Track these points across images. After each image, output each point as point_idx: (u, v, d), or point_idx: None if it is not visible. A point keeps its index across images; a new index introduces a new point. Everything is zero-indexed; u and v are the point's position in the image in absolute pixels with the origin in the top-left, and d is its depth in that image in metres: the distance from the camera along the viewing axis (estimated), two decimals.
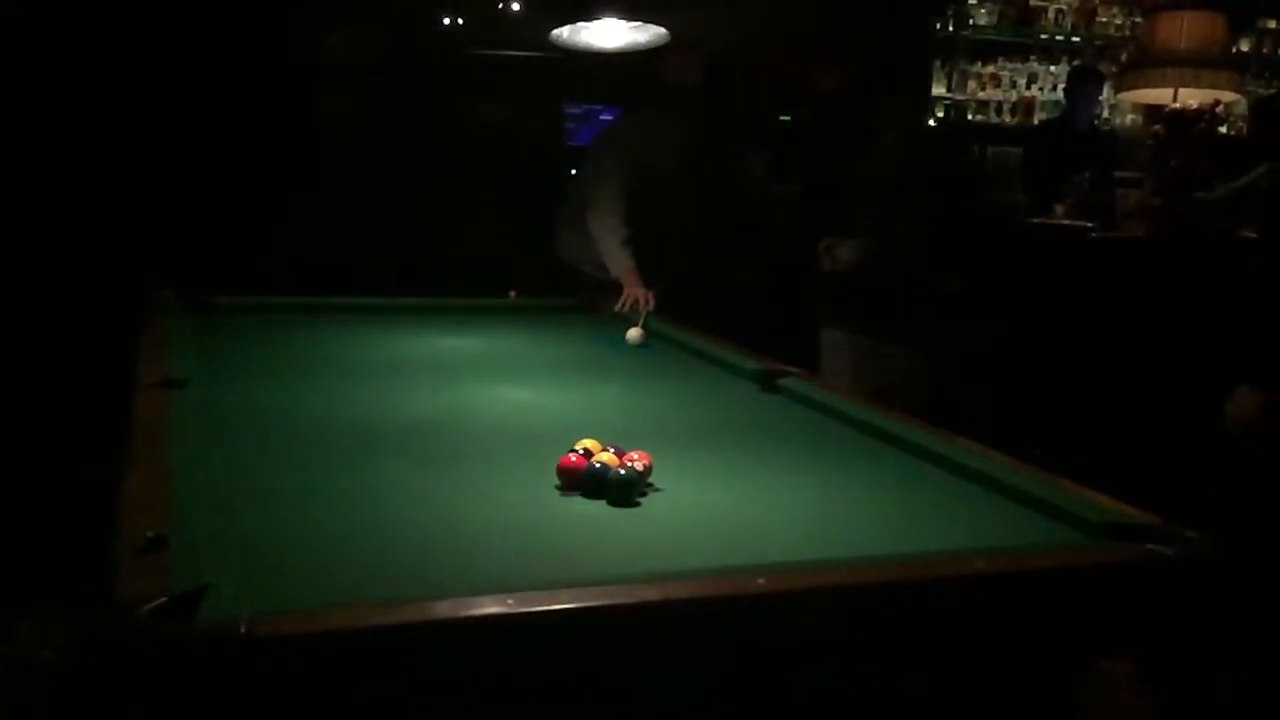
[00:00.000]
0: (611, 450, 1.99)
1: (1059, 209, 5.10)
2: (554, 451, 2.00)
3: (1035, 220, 5.04)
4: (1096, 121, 6.66)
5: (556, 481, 1.96)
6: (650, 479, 1.96)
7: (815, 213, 4.96)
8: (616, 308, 3.84)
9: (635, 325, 3.46)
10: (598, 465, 1.93)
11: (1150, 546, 1.71)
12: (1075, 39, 7.11)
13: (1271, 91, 6.68)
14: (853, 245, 3.99)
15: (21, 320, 4.60)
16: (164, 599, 1.30)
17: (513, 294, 4.24)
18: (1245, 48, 6.91)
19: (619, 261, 4.09)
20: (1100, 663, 1.72)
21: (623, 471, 1.91)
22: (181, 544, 1.50)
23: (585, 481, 1.92)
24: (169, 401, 2.27)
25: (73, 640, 1.37)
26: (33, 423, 4.22)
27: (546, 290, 4.18)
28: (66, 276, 4.84)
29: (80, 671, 1.25)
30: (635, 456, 1.96)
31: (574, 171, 4.84)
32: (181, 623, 1.27)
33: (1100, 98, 6.60)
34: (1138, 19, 6.73)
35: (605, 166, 4.28)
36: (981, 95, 7.01)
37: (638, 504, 1.90)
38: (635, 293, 3.91)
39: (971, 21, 6.94)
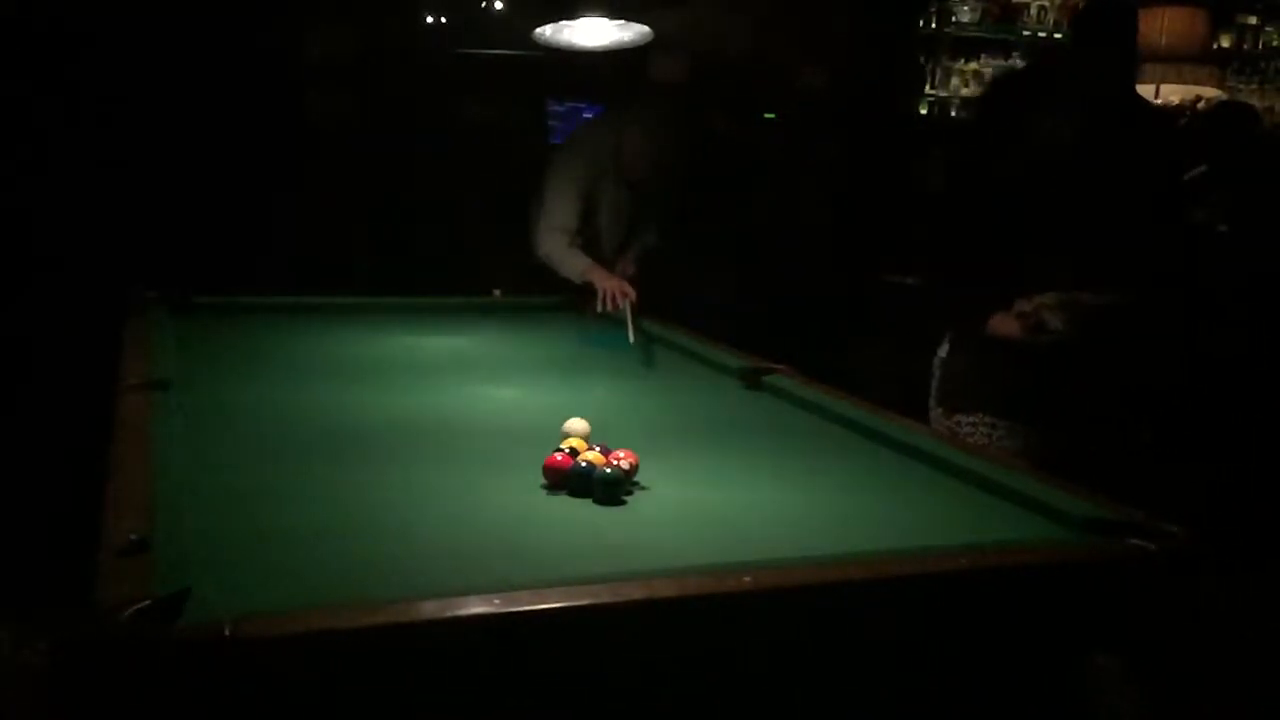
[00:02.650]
0: (597, 448, 1.99)
1: None
2: (540, 450, 2.00)
3: None
4: None
5: (543, 480, 1.95)
6: (636, 477, 1.96)
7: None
8: (598, 308, 3.76)
9: (628, 328, 3.36)
10: (584, 464, 1.93)
11: (1133, 541, 1.72)
12: (1058, 35, 7.13)
13: (1253, 86, 6.71)
14: (1067, 306, 2.64)
15: (1, 321, 4.57)
16: (147, 601, 1.29)
17: (497, 292, 4.23)
18: (1226, 44, 6.94)
19: (575, 263, 3.98)
20: (1086, 658, 1.73)
21: (608, 470, 1.91)
22: (165, 546, 1.50)
23: (571, 480, 1.92)
24: (151, 403, 2.26)
25: (55, 643, 1.36)
26: (14, 425, 4.19)
27: (531, 289, 4.17)
28: (47, 277, 4.81)
29: (63, 675, 1.24)
30: (621, 455, 1.96)
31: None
32: (165, 625, 1.27)
33: None
34: None
35: (560, 174, 4.17)
36: (965, 92, 7.02)
37: (624, 502, 1.90)
38: (610, 286, 3.79)
39: (954, 18, 6.95)
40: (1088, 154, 2.71)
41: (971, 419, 2.82)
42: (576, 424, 2.25)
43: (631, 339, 3.27)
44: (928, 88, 7.03)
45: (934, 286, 2.99)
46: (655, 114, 4.31)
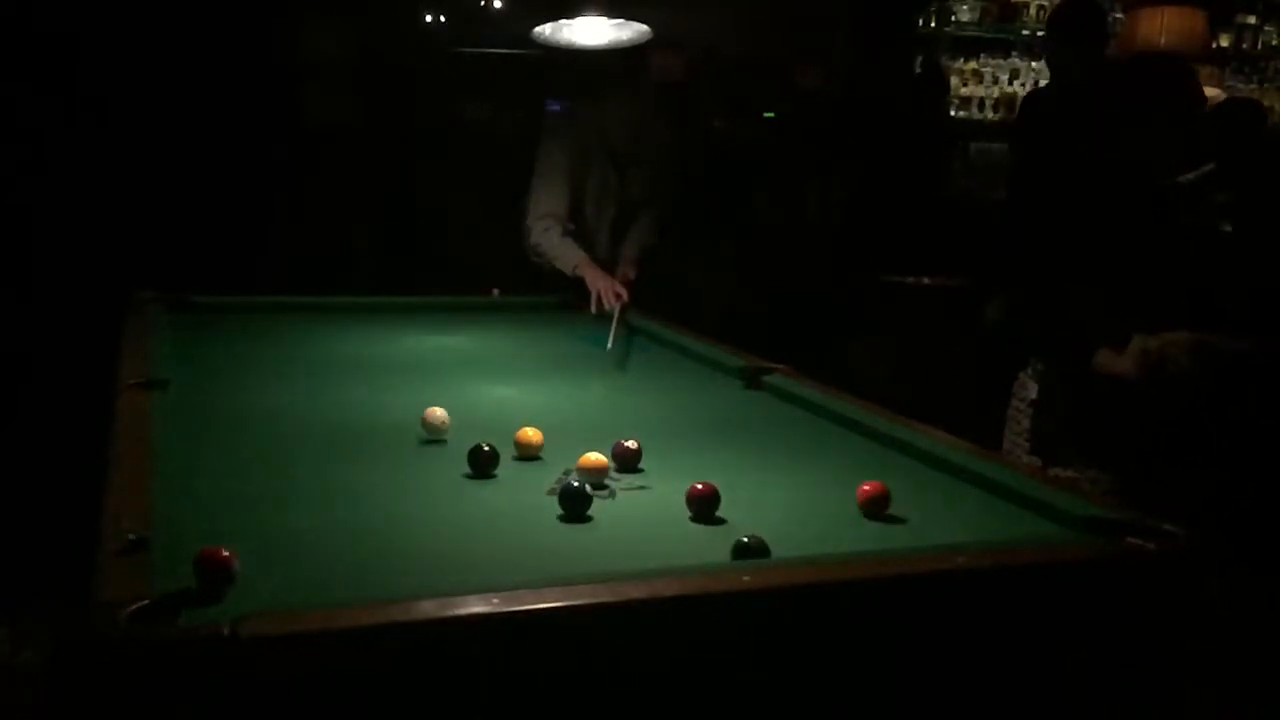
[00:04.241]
0: (609, 451, 2.01)
1: None
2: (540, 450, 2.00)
3: None
4: None
5: (549, 485, 1.95)
6: (638, 479, 1.96)
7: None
8: (592, 309, 3.70)
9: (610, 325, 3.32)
10: (574, 481, 1.89)
11: (1133, 541, 1.72)
12: None
13: (1252, 86, 6.72)
14: (1197, 348, 2.41)
15: (1, 321, 4.58)
16: (147, 601, 1.29)
17: (496, 292, 4.22)
18: (1226, 44, 6.94)
19: (567, 255, 3.88)
20: (1084, 655, 1.73)
21: (748, 540, 1.72)
22: (164, 546, 1.50)
23: (565, 499, 1.87)
24: (150, 402, 2.26)
25: (54, 643, 1.36)
26: (12, 424, 4.19)
27: (529, 288, 4.16)
28: (47, 276, 4.82)
29: (62, 674, 1.24)
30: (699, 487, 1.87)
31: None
32: (164, 625, 1.27)
33: None
34: (1119, 15, 6.75)
35: (545, 157, 4.07)
36: (964, 91, 7.03)
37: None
38: (601, 285, 3.71)
39: (954, 18, 6.95)
40: (1173, 160, 2.61)
41: (1069, 473, 2.58)
42: (437, 413, 2.24)
43: (610, 344, 3.23)
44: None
45: (1014, 310, 2.76)
46: (641, 88, 4.23)
